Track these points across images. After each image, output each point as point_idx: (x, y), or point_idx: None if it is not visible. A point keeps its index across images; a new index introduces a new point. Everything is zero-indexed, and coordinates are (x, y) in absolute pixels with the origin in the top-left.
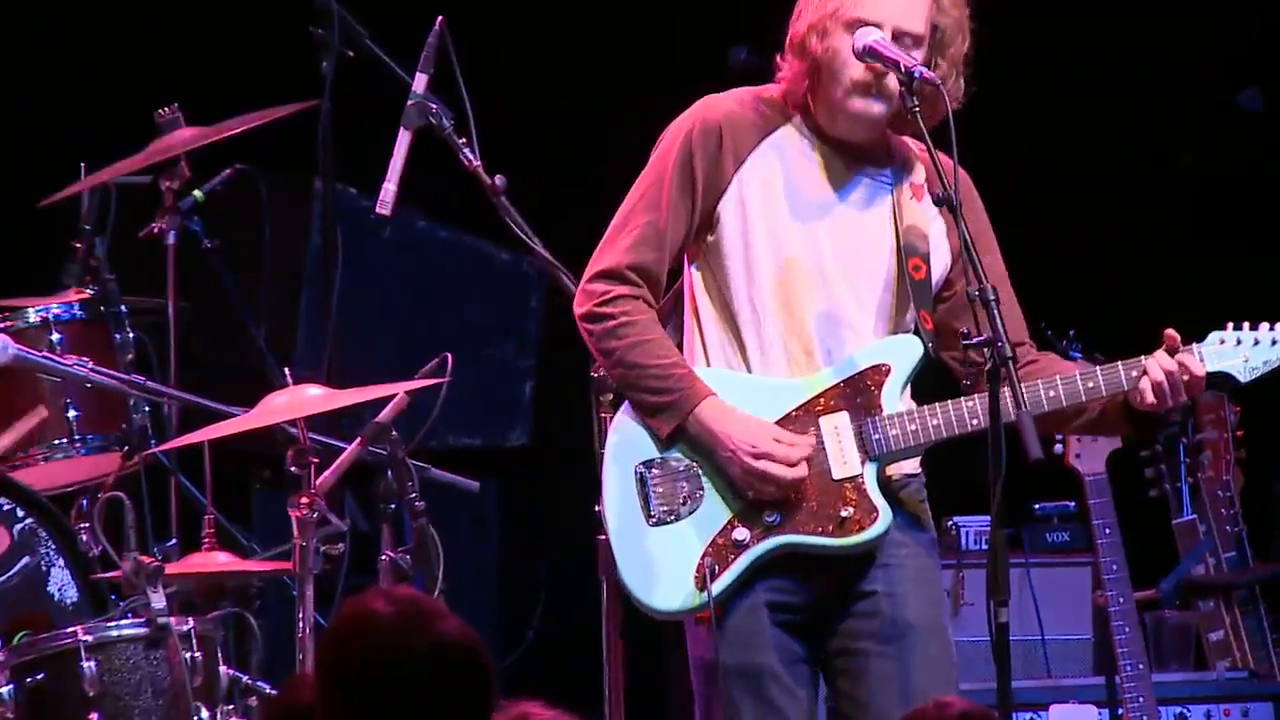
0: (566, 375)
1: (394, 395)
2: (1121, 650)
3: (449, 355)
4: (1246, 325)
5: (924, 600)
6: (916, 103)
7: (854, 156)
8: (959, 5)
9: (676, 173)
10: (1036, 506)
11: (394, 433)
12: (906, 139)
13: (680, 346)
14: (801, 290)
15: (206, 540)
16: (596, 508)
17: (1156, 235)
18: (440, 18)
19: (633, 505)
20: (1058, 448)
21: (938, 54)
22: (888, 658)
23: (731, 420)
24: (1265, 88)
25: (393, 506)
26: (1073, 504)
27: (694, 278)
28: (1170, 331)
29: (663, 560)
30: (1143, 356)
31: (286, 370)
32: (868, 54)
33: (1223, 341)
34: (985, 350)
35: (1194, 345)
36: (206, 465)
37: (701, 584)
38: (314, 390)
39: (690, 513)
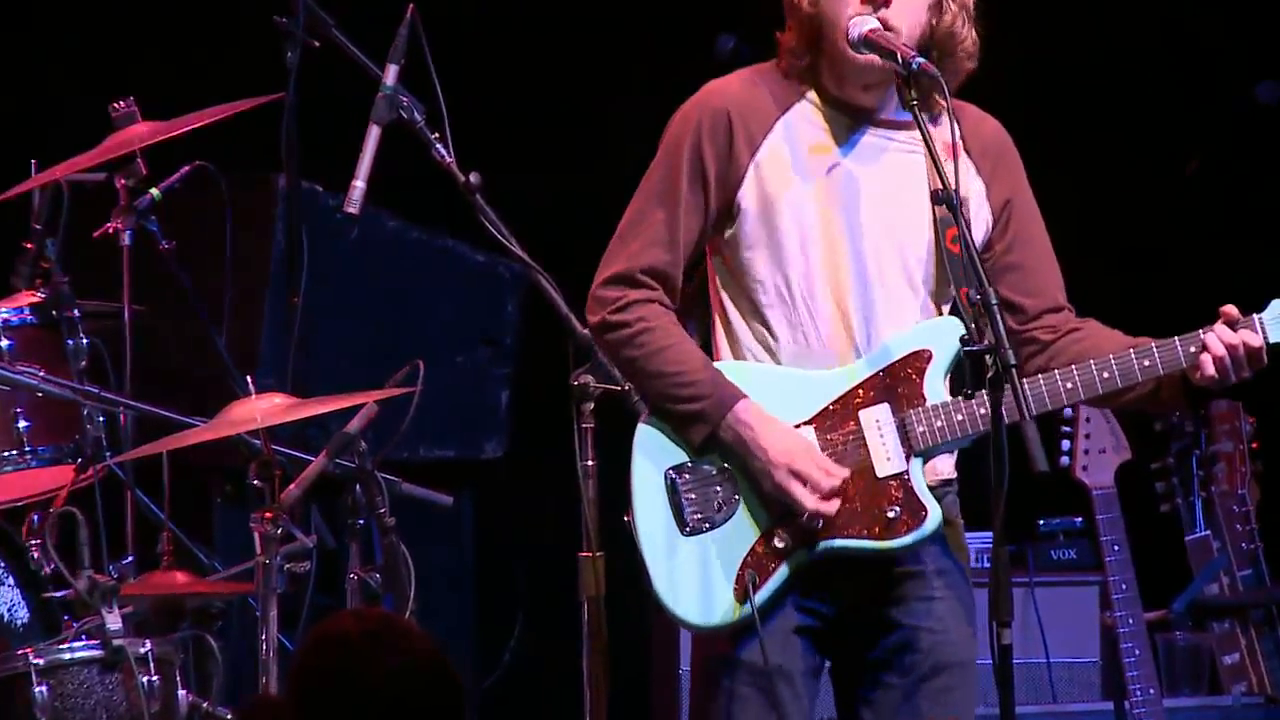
0: (545, 383)
1: (362, 404)
2: (1131, 674)
3: (420, 362)
4: None
5: (964, 639)
6: (915, 96)
7: (875, 122)
8: None
9: (687, 167)
10: (1041, 522)
11: (363, 444)
12: (936, 94)
13: (706, 346)
14: (834, 275)
15: (165, 558)
16: (625, 517)
17: (1171, 231)
18: (411, 5)
19: (664, 513)
20: (1064, 460)
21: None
22: (922, 697)
23: (770, 430)
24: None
25: (361, 522)
26: (1079, 519)
27: (716, 272)
28: (1228, 307)
29: (699, 571)
30: (1200, 330)
31: (249, 378)
32: (863, 44)
33: None
34: (988, 357)
35: (1254, 316)
36: (165, 478)
37: (743, 595)
38: (278, 399)
39: (726, 519)
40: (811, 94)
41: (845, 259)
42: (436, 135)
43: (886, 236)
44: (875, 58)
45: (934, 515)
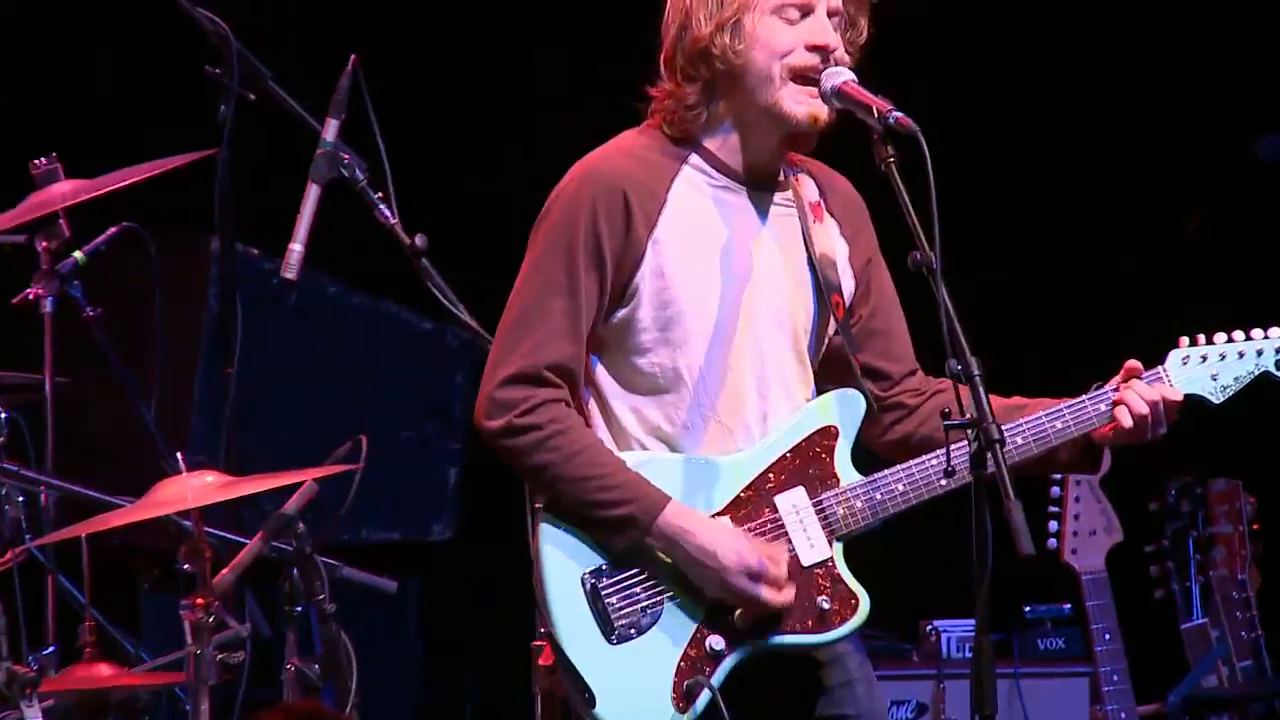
0: (495, 460)
1: (301, 483)
2: None
3: (363, 437)
4: (1202, 338)
5: (881, 713)
6: (893, 153)
7: (759, 185)
8: None
9: (584, 250)
10: (1027, 609)
11: (301, 525)
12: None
13: None
14: (730, 351)
15: (88, 648)
16: (541, 630)
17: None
18: (354, 56)
19: (589, 624)
20: (1051, 542)
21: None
22: None
23: (707, 531)
24: None
25: (299, 609)
26: (1068, 606)
27: (600, 359)
28: (1132, 362)
29: (634, 683)
30: (1107, 389)
31: (179, 455)
32: (836, 96)
33: (1185, 360)
34: (969, 432)
35: (1159, 369)
36: (86, 562)
37: (682, 703)
38: (210, 477)
39: (653, 624)
40: (695, 157)
41: (743, 334)
42: (380, 195)
43: (779, 307)
44: (819, 106)
45: (865, 603)
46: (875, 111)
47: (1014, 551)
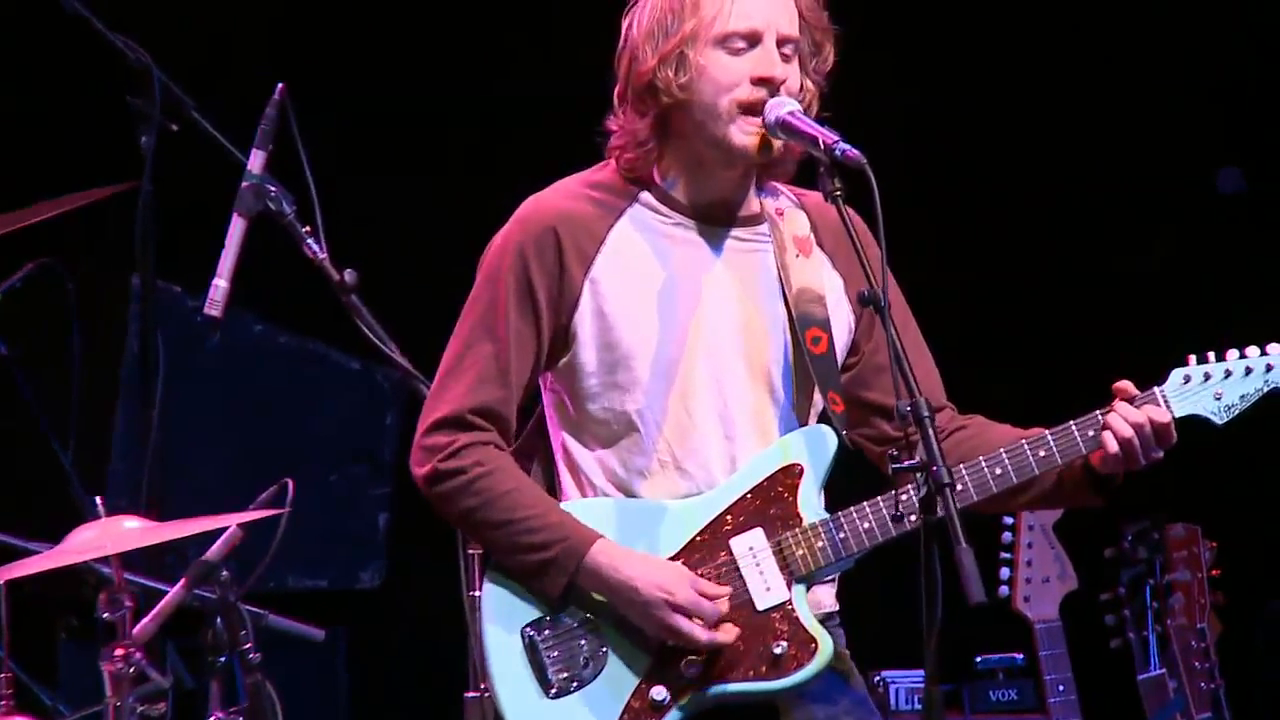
0: (427, 505)
1: (225, 528)
2: None
3: (290, 481)
4: (1212, 356)
5: None
6: (839, 186)
7: (721, 219)
8: (818, 7)
9: (513, 295)
10: (979, 659)
11: (225, 572)
12: (774, 183)
13: (551, 491)
14: (689, 392)
15: (4, 700)
16: (482, 687)
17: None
18: (281, 85)
19: (525, 678)
20: (1003, 590)
21: (802, 69)
22: None
23: (634, 565)
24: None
25: (223, 659)
26: (1021, 656)
27: (554, 407)
28: (1121, 383)
29: None
30: (1097, 411)
31: (98, 499)
32: (781, 129)
33: (1188, 379)
34: (919, 476)
35: (1154, 389)
36: (4, 611)
37: None
38: (130, 522)
39: (595, 675)
40: (645, 195)
41: (699, 373)
42: (308, 229)
43: (741, 344)
44: (746, 143)
45: (825, 647)
46: (821, 144)
47: (964, 599)
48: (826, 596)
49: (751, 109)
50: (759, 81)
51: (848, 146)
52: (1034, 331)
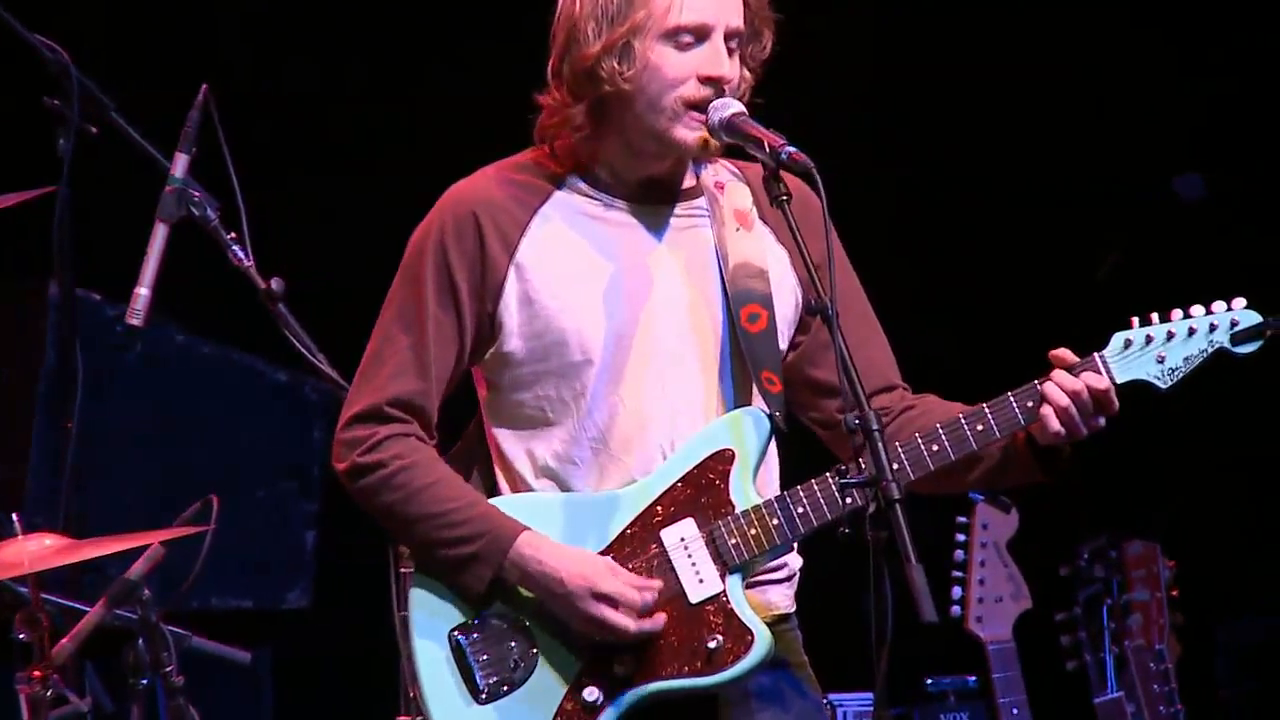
0: (357, 522)
1: (147, 546)
2: None
3: (214, 497)
4: (1155, 317)
5: None
6: (785, 190)
7: (655, 196)
8: None
9: (433, 283)
10: (929, 681)
11: (146, 592)
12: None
13: (493, 493)
14: (623, 376)
15: None
16: (410, 694)
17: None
18: (204, 85)
19: (454, 683)
20: (955, 609)
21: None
22: None
23: (560, 556)
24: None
25: (144, 682)
26: (973, 678)
27: (486, 401)
28: (1057, 351)
29: None
30: (1035, 381)
31: (14, 516)
32: (726, 130)
33: (1129, 344)
34: (867, 490)
35: (1094, 355)
36: None
37: None
38: (48, 540)
39: (526, 677)
40: (574, 179)
41: (635, 358)
42: (233, 235)
43: (680, 325)
44: (709, 138)
45: (762, 639)
46: (767, 146)
47: (915, 619)
48: (781, 598)
49: (697, 106)
50: (707, 80)
51: (794, 149)
52: (991, 324)
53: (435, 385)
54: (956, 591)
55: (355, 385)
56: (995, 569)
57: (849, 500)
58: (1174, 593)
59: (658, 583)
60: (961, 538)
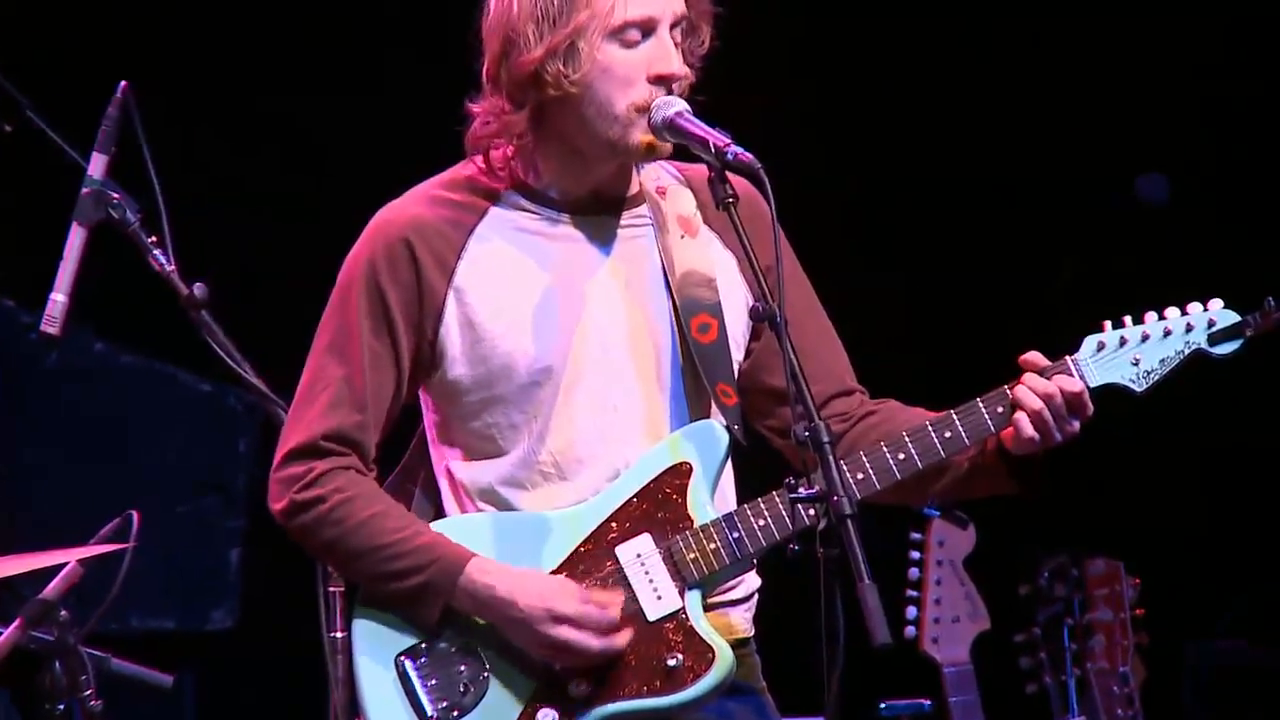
0: (283, 539)
1: (64, 564)
2: None
3: (134, 513)
4: (1129, 320)
5: None
6: (732, 193)
7: (602, 208)
8: None
9: (365, 314)
10: (883, 705)
11: (63, 612)
12: (655, 163)
13: (439, 516)
14: (572, 398)
15: None
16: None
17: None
18: (124, 83)
19: (400, 711)
20: (909, 630)
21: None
22: None
23: (513, 580)
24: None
25: (61, 707)
26: (929, 702)
27: (431, 426)
28: (1028, 355)
29: None
30: (1005, 386)
31: None
32: (669, 130)
33: (1102, 346)
34: (817, 507)
35: (1066, 358)
36: None
37: None
38: None
39: (477, 702)
40: (511, 194)
41: (584, 377)
42: (154, 239)
43: (628, 340)
44: (655, 141)
45: (723, 656)
46: (712, 147)
47: (868, 640)
48: (740, 620)
49: (648, 109)
50: (657, 80)
51: (739, 149)
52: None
53: (372, 417)
54: (911, 611)
55: (289, 421)
56: (952, 588)
57: (812, 513)
58: (1138, 612)
59: (619, 595)
60: (916, 555)
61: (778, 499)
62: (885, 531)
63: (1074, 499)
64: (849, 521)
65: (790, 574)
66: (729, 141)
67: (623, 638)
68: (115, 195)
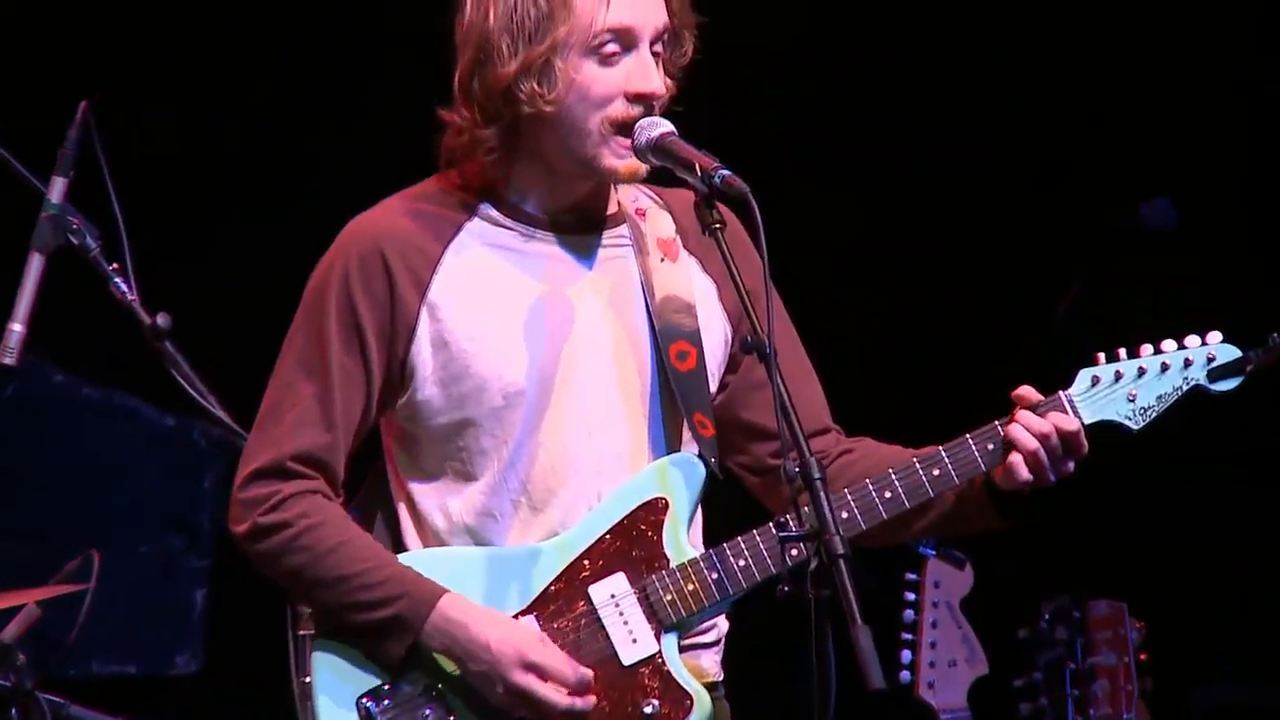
0: (251, 580)
1: (21, 606)
2: None
3: (95, 553)
4: (1124, 353)
5: None
6: (720, 218)
7: (576, 225)
8: None
9: (337, 327)
10: None
11: (21, 656)
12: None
13: (398, 549)
14: (547, 423)
15: None
16: None
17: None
18: (84, 103)
19: None
20: (904, 675)
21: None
22: None
23: (487, 623)
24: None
25: None
26: None
27: (395, 452)
28: (1021, 389)
29: None
30: (996, 422)
31: None
32: (653, 151)
33: (1096, 381)
34: (809, 545)
35: (1060, 394)
36: None
37: None
38: None
39: None
40: (487, 208)
41: (561, 401)
42: (115, 266)
43: (607, 365)
44: (638, 168)
45: (701, 703)
46: (699, 170)
47: (861, 685)
48: (709, 664)
49: (625, 128)
50: (636, 98)
51: (728, 172)
52: (936, 360)
53: (342, 438)
54: (906, 655)
55: (253, 439)
56: (948, 630)
57: (794, 553)
58: (1143, 657)
59: (588, 673)
60: (911, 596)
61: (759, 537)
62: (878, 571)
63: (1076, 537)
64: (842, 561)
65: (775, 615)
66: (717, 165)
67: (590, 701)
68: (75, 220)
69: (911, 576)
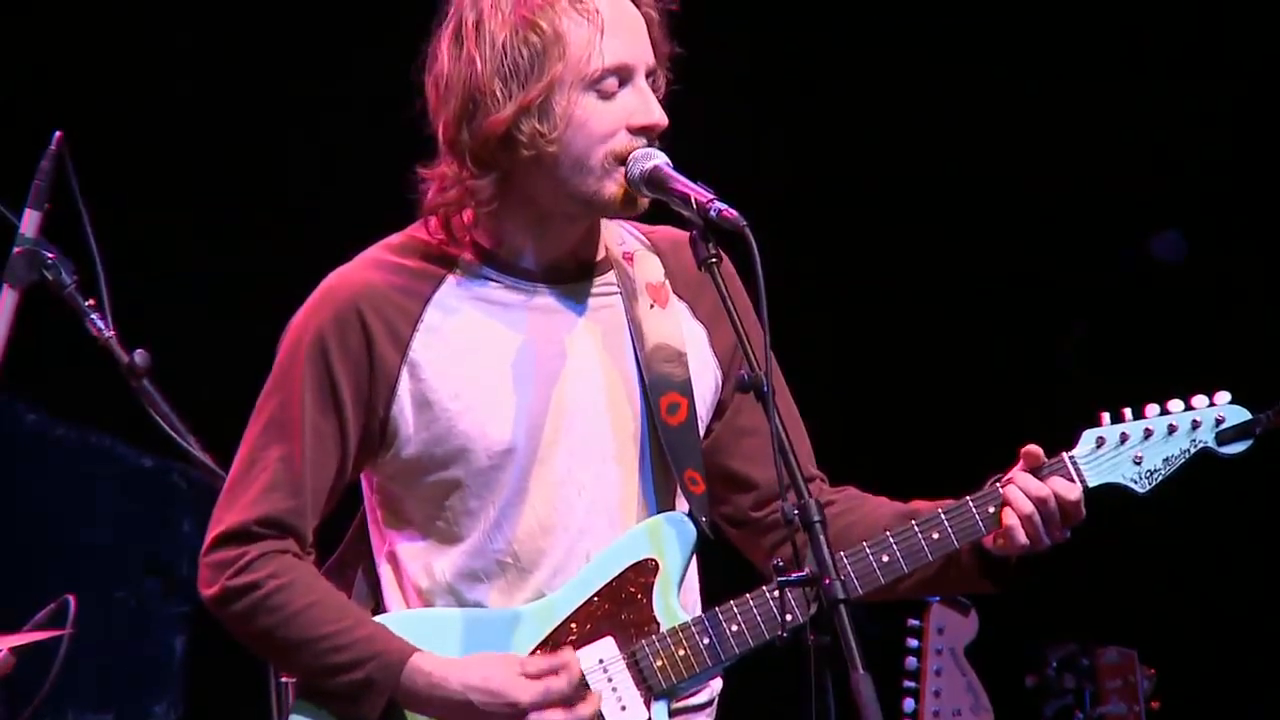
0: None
1: None
2: None
3: (70, 598)
4: (1129, 413)
5: None
6: (715, 252)
7: (565, 274)
8: (663, 26)
9: (310, 389)
10: None
11: None
12: (617, 224)
13: (379, 610)
14: (535, 482)
15: None
16: None
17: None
18: (58, 133)
19: None
20: None
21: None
22: None
23: (461, 672)
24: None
25: None
26: None
27: (376, 509)
28: (1029, 448)
29: None
30: (996, 483)
31: None
32: (647, 184)
33: (1101, 442)
34: (808, 591)
35: (1064, 455)
36: None
37: None
38: None
39: None
40: (467, 258)
41: (550, 459)
42: (91, 301)
43: (598, 419)
44: (635, 194)
45: None
46: (694, 203)
47: None
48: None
49: (626, 160)
50: (639, 131)
51: (724, 205)
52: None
53: (311, 501)
54: (909, 704)
55: (221, 502)
56: (952, 678)
57: (790, 618)
58: (1154, 705)
59: (574, 664)
60: (914, 643)
61: (752, 601)
62: (880, 617)
63: (1083, 582)
64: (842, 607)
65: (772, 667)
66: (712, 197)
67: (589, 708)
68: (50, 255)
69: (914, 622)
